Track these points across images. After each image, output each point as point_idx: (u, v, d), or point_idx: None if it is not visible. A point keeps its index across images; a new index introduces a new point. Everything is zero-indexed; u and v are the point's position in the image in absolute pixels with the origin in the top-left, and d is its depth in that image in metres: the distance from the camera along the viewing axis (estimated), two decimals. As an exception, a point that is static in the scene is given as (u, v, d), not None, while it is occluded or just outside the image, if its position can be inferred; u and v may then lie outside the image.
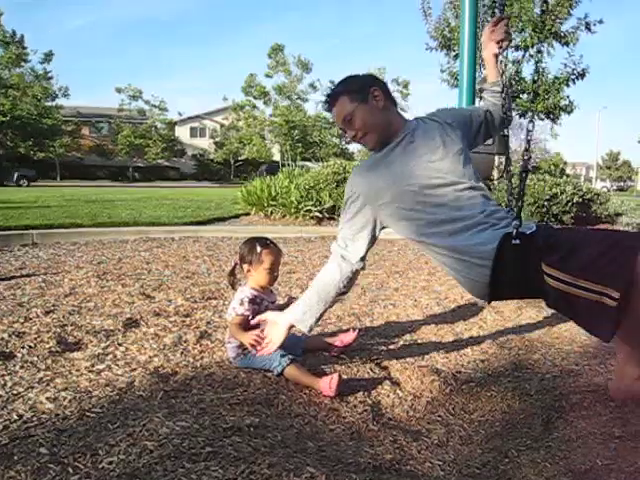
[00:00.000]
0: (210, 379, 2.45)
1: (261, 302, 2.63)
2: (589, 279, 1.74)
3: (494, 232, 2.00)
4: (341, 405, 2.27)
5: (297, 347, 2.75)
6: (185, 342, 2.91)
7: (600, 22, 11.18)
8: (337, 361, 2.72)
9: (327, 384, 2.31)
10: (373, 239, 2.30)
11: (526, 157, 2.08)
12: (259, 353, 2.40)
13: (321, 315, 2.32)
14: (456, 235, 2.04)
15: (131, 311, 3.45)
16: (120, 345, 2.83)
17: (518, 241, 1.91)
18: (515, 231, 1.92)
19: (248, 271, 2.66)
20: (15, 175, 31.52)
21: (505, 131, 2.47)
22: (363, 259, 2.31)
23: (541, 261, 1.86)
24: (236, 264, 2.71)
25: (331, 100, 2.25)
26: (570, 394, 2.37)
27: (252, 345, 2.39)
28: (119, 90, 44.25)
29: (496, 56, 2.37)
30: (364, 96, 2.17)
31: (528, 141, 2.08)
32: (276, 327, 2.35)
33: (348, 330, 2.90)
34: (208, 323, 3.28)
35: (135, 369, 2.52)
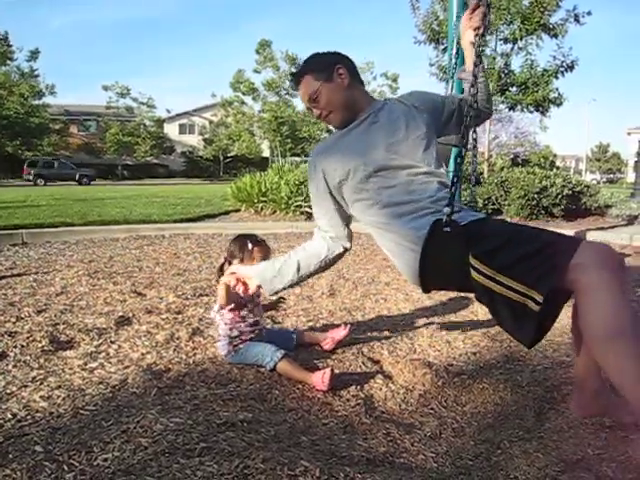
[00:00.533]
0: (203, 375, 2.45)
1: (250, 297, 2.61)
2: (514, 278, 1.64)
3: (433, 218, 1.92)
4: (334, 399, 2.29)
5: (289, 342, 2.76)
6: (177, 339, 2.92)
7: (589, 14, 11.19)
8: (329, 356, 2.74)
9: (320, 379, 2.32)
10: (346, 215, 2.23)
11: (464, 140, 2.01)
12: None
13: (290, 286, 2.26)
14: (399, 218, 1.99)
15: (123, 309, 3.45)
16: (113, 343, 2.84)
17: (448, 229, 1.83)
18: (446, 218, 1.84)
19: None
20: (77, 175, 35.12)
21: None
22: (350, 238, 2.27)
23: (469, 252, 1.77)
24: (226, 260, 2.70)
25: (296, 79, 2.22)
26: (561, 385, 2.40)
27: (227, 285, 2.38)
28: (106, 88, 43.90)
29: (473, 44, 2.29)
30: (329, 74, 2.14)
31: (466, 127, 2.02)
32: (247, 280, 2.30)
33: (340, 325, 2.91)
34: (200, 320, 3.28)
35: (128, 366, 2.52)
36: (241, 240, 2.66)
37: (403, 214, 1.99)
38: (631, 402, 1.55)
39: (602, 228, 8.23)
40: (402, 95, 2.36)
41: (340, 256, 2.27)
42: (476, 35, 2.26)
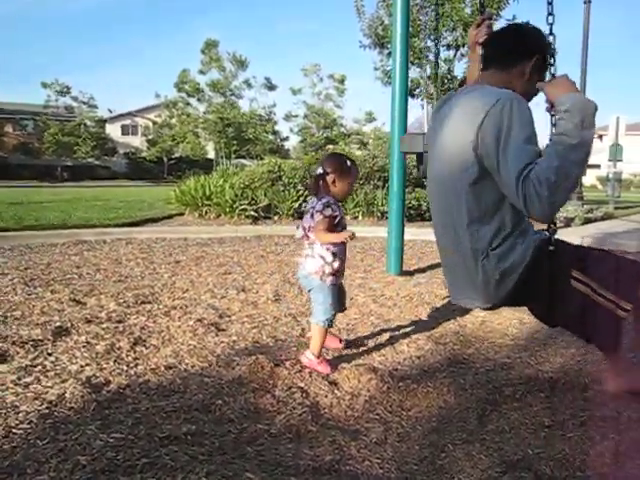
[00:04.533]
0: (145, 387, 2.39)
1: (339, 208, 2.72)
2: (611, 290, 1.87)
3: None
4: (279, 407, 2.27)
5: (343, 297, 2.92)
6: (118, 349, 2.83)
7: (527, 23, 11.61)
8: (278, 363, 2.70)
9: (325, 366, 2.66)
10: None
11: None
12: None
13: None
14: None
15: (61, 319, 3.31)
16: (49, 355, 2.72)
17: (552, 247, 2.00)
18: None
19: (333, 181, 2.70)
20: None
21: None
22: None
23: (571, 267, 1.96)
24: (325, 172, 2.72)
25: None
26: (503, 387, 2.46)
27: (349, 237, 2.52)
28: (45, 85, 42.44)
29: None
30: None
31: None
32: None
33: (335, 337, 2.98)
34: (142, 328, 3.19)
35: (66, 380, 2.42)
36: (340, 157, 2.81)
37: None
38: None
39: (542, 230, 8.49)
40: None
41: None
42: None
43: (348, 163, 2.72)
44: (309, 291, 2.79)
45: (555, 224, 1.98)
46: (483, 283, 1.95)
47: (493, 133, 1.74)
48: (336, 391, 2.44)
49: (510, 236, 1.94)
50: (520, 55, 1.97)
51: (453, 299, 2.18)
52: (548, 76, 1.94)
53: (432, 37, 11.10)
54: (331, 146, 35.96)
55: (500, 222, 1.92)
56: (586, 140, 1.71)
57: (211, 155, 39.15)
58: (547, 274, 1.97)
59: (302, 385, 2.47)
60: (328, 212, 2.62)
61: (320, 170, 2.73)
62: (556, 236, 2.00)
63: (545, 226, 2.00)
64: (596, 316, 1.91)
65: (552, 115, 1.84)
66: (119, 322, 3.31)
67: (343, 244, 2.70)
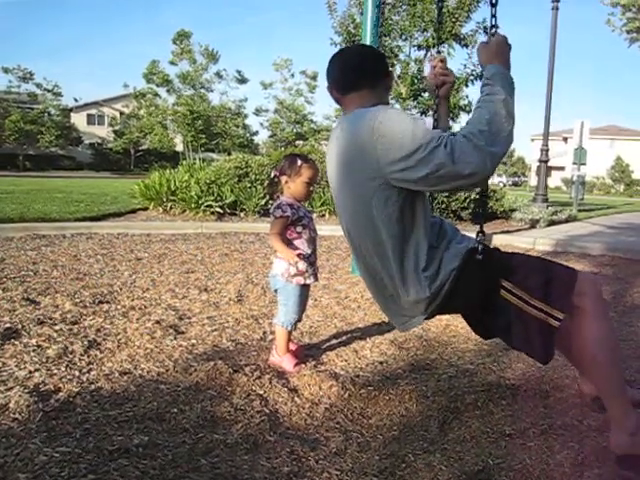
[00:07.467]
0: (97, 394, 2.29)
1: (298, 208, 2.71)
2: (541, 299, 1.87)
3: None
4: (237, 415, 2.20)
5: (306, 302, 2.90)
6: (71, 353, 2.72)
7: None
8: (239, 368, 2.62)
9: (289, 362, 2.68)
10: None
11: None
12: None
13: None
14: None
15: (11, 320, 3.17)
16: (-4, 360, 2.59)
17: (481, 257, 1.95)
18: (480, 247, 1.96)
19: (286, 182, 2.72)
20: None
21: None
22: None
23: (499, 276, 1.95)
24: (275, 176, 2.77)
25: None
26: (465, 394, 2.43)
27: (291, 258, 2.58)
28: (7, 70, 41.29)
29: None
30: None
31: None
32: None
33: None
34: (98, 330, 3.08)
35: (11, 388, 2.29)
36: (292, 157, 2.78)
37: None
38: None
39: (507, 231, 8.57)
40: None
41: None
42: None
43: (299, 162, 2.70)
44: (275, 291, 2.79)
45: (484, 233, 1.96)
46: (414, 302, 1.98)
47: (390, 149, 1.77)
48: (296, 398, 2.38)
49: (436, 253, 1.96)
50: (385, 72, 2.11)
51: (390, 320, 2.23)
52: (484, 38, 2.00)
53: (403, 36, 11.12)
54: (300, 142, 35.90)
55: (417, 239, 1.93)
56: (510, 100, 1.79)
57: (179, 148, 38.65)
58: (475, 286, 1.96)
59: (261, 392, 2.40)
60: (278, 213, 2.64)
61: (272, 173, 2.79)
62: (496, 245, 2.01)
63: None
64: (527, 327, 1.90)
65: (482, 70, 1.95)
66: (74, 323, 3.19)
67: (308, 243, 2.72)
